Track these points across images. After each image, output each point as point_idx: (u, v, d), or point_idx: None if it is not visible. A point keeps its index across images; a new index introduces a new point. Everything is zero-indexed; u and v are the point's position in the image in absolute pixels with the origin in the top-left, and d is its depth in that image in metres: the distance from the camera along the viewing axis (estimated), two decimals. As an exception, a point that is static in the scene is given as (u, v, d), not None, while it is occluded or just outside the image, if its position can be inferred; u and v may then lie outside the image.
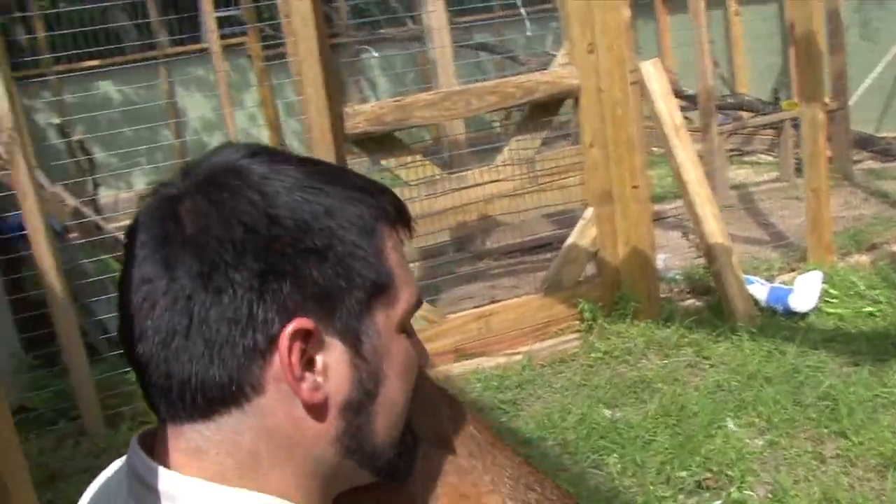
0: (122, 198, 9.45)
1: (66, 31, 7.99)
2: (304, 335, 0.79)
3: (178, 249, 0.79)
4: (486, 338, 4.53)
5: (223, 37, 9.14)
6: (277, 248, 0.79)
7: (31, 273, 3.76)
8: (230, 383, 0.80)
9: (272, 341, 0.79)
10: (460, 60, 9.59)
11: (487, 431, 1.17)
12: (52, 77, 9.04)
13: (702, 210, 4.48)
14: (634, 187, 4.45)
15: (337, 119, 4.03)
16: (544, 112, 4.53)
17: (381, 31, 10.09)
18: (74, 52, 8.39)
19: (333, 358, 0.83)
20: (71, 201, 4.49)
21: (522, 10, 8.78)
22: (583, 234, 4.60)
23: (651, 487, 3.16)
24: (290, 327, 0.78)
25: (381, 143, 4.28)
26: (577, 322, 4.61)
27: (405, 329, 0.89)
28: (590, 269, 4.78)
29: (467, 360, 4.47)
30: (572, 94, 4.48)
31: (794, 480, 3.18)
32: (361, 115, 4.15)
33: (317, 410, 0.83)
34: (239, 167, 0.84)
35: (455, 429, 1.13)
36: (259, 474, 0.83)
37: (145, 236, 0.81)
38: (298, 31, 3.87)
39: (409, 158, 4.37)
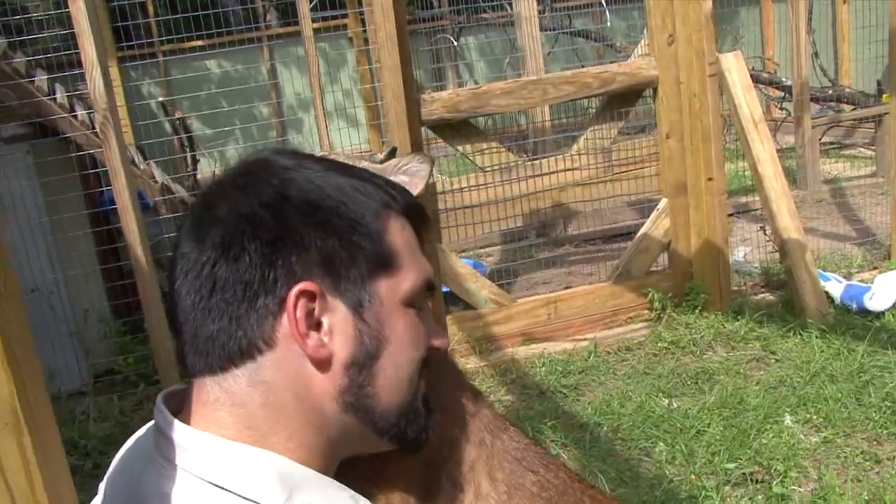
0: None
1: (178, 16, 8.33)
2: (309, 296, 0.93)
3: (208, 227, 0.95)
4: (554, 323, 4.61)
5: (324, 19, 9.39)
6: (287, 222, 0.93)
7: (122, 244, 4.03)
8: (245, 339, 0.94)
9: (282, 301, 0.92)
10: (560, 47, 9.65)
11: (500, 418, 1.27)
12: (161, 58, 9.44)
13: (776, 205, 4.45)
14: (709, 179, 4.45)
15: (413, 105, 4.16)
16: (622, 102, 4.57)
17: (483, 15, 10.15)
18: (184, 34, 8.76)
19: (338, 318, 0.95)
20: (159, 177, 4.75)
21: (603, 1, 8.72)
22: (656, 225, 4.62)
23: (695, 477, 3.21)
24: (297, 288, 0.92)
25: (457, 129, 4.40)
26: (646, 311, 4.65)
27: (414, 305, 1.01)
28: (662, 260, 4.81)
29: (535, 343, 4.56)
30: (650, 86, 4.50)
31: (844, 479, 3.18)
32: (438, 101, 4.28)
33: (321, 366, 0.95)
34: (266, 160, 1.00)
35: (469, 412, 1.23)
36: (266, 429, 0.95)
37: (188, 222, 0.98)
38: (378, 20, 4.01)
39: (484, 145, 4.47)
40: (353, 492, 0.98)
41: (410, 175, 1.10)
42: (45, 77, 4.42)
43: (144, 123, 5.75)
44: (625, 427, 3.70)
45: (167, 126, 7.26)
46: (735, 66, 4.53)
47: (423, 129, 4.31)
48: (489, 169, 4.47)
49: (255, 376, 0.94)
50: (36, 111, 4.14)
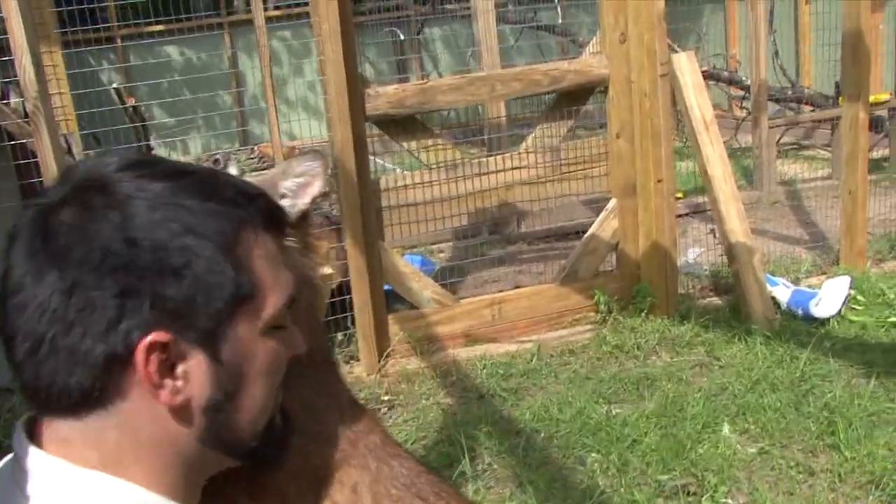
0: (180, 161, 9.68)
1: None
2: (160, 347, 0.86)
3: (45, 264, 0.86)
4: (498, 324, 4.53)
5: (287, 6, 9.24)
6: (135, 270, 0.85)
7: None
8: (93, 389, 0.87)
9: (131, 353, 0.85)
10: (524, 41, 9.57)
11: (390, 443, 1.21)
12: (119, 43, 9.26)
13: (725, 208, 4.40)
14: (659, 181, 4.38)
15: (357, 100, 4.06)
16: (572, 101, 4.49)
17: (447, 6, 10.05)
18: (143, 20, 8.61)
19: (192, 364, 0.89)
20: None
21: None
22: (604, 226, 4.56)
23: (624, 490, 3.14)
24: (146, 341, 0.85)
25: (402, 125, 4.30)
26: (592, 314, 4.59)
27: (277, 326, 0.95)
28: (610, 261, 4.74)
29: (478, 345, 4.48)
30: (601, 84, 4.43)
31: (777, 492, 3.13)
32: (383, 96, 4.18)
33: (179, 412, 0.90)
34: (106, 182, 0.89)
35: (355, 434, 1.17)
36: (123, 467, 0.89)
37: (20, 246, 0.88)
38: (321, 13, 3.90)
39: (430, 142, 4.38)
40: None
41: (302, 177, 1.03)
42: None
43: (100, 111, 5.61)
44: (561, 434, 3.63)
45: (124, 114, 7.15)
46: (687, 67, 4.47)
47: (367, 124, 4.21)
48: (435, 166, 4.37)
49: (106, 423, 0.89)
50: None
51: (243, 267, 0.91)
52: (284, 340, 0.98)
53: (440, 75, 9.87)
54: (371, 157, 4.41)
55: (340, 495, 1.10)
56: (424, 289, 4.46)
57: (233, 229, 0.90)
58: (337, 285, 4.58)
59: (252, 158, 5.57)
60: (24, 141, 3.93)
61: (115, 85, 7.24)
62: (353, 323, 4.42)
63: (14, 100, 4.35)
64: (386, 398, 4.14)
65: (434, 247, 6.37)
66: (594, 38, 4.54)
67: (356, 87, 4.04)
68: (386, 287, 4.46)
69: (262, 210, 0.95)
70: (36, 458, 0.90)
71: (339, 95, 3.96)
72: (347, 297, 4.39)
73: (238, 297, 0.90)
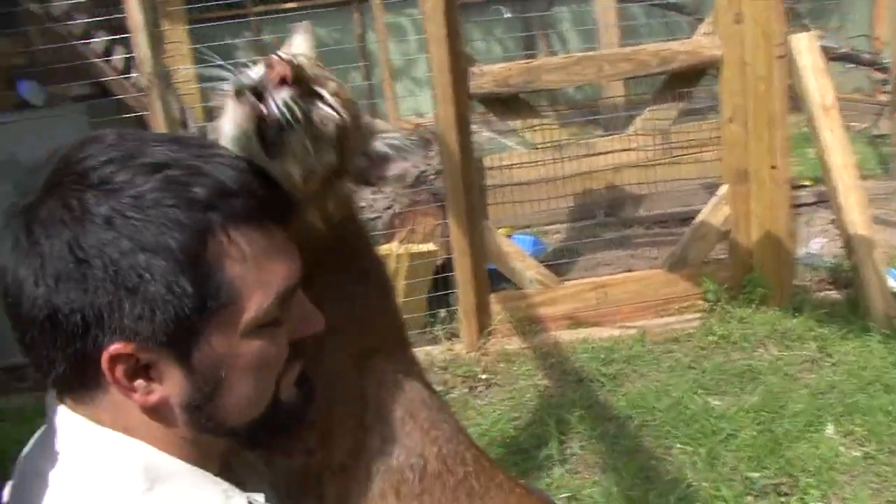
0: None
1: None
2: (124, 357, 0.87)
3: (27, 265, 0.88)
4: (602, 308, 4.46)
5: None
6: (90, 287, 0.85)
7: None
8: (76, 382, 0.92)
9: (97, 362, 0.88)
10: (654, 20, 9.33)
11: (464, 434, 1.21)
12: (253, 18, 9.53)
13: (844, 198, 4.17)
14: (773, 168, 4.20)
15: (461, 78, 4.05)
16: (683, 83, 4.35)
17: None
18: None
19: (163, 369, 0.91)
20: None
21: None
22: (715, 212, 4.41)
23: (713, 484, 3.05)
24: (107, 353, 0.87)
25: (507, 104, 4.27)
26: (700, 302, 4.45)
27: (264, 324, 0.93)
28: (721, 249, 4.59)
29: (580, 328, 4.42)
30: (713, 66, 4.27)
31: (880, 501, 2.97)
32: (488, 75, 4.15)
33: (156, 409, 0.92)
34: (79, 183, 0.88)
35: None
36: (135, 430, 0.94)
37: (9, 242, 0.90)
38: (426, -10, 3.91)
39: (536, 121, 4.33)
40: (228, 485, 0.96)
41: (397, 151, 1.02)
42: (104, 39, 4.49)
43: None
44: (655, 423, 3.56)
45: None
46: (807, 48, 4.25)
47: (472, 102, 4.20)
48: (540, 146, 4.33)
49: (99, 410, 0.93)
50: (88, 73, 4.21)
51: (210, 277, 0.88)
52: (277, 336, 0.96)
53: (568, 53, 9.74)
54: (491, 134, 4.42)
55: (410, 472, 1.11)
56: (528, 269, 4.43)
57: (197, 239, 0.87)
58: (441, 262, 4.61)
59: None
60: (141, 113, 4.10)
61: (243, 60, 7.45)
62: (455, 300, 4.45)
63: (116, 56, 4.51)
64: (483, 377, 4.15)
65: (549, 227, 6.31)
66: (708, 18, 4.37)
67: (460, 65, 4.03)
68: (490, 266, 4.46)
69: (244, 205, 0.91)
70: (62, 416, 0.95)
71: (442, 73, 3.96)
72: (451, 273, 4.42)
73: (204, 309, 0.88)
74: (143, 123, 4.12)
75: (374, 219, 5.27)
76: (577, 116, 7.09)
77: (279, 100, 0.95)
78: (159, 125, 3.80)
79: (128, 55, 4.58)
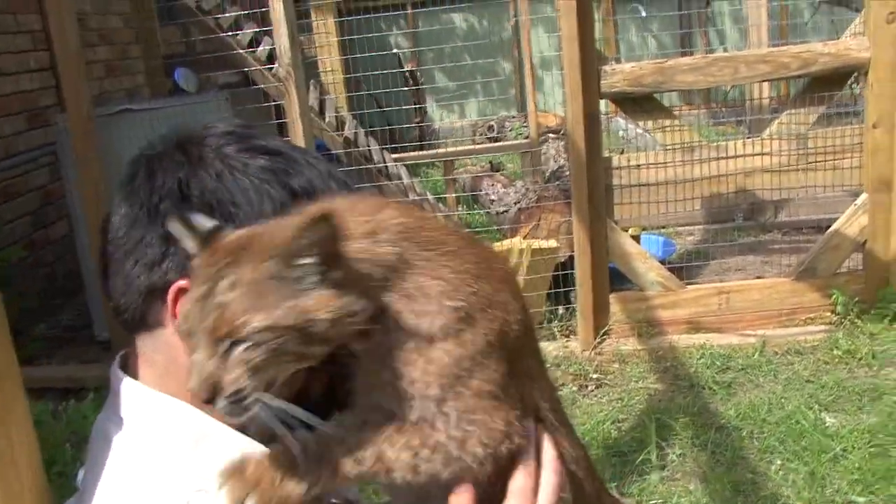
0: (456, 125, 10.07)
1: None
2: (185, 292, 0.96)
3: (123, 199, 1.04)
4: (724, 315, 4.37)
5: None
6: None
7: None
8: (138, 314, 1.03)
9: (167, 290, 0.99)
10: (823, 16, 8.92)
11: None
12: (410, 10, 9.74)
13: None
14: (918, 178, 4.00)
15: (592, 76, 4.06)
16: (825, 86, 4.18)
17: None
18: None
19: None
20: (350, 132, 4.94)
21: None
22: (851, 221, 4.24)
23: None
24: (177, 285, 0.98)
25: (639, 103, 4.23)
26: (828, 314, 4.30)
27: None
28: (854, 261, 4.40)
29: (699, 334, 4.36)
30: (859, 69, 4.09)
31: None
32: (619, 74, 4.13)
33: None
34: (195, 142, 1.04)
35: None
36: (177, 385, 1.02)
37: (118, 181, 1.07)
38: (560, -13, 3.93)
39: (667, 122, 4.27)
40: (249, 439, 1.02)
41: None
42: (252, 31, 4.73)
43: (381, 74, 5.98)
44: (763, 436, 3.49)
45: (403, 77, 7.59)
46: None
47: (602, 101, 4.19)
48: (671, 147, 4.27)
49: (155, 345, 1.04)
50: (235, 63, 4.46)
51: None
52: None
53: (725, 51, 9.46)
54: (642, 131, 4.40)
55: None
56: (650, 271, 4.40)
57: (276, 210, 0.99)
58: (564, 259, 4.63)
59: (525, 126, 5.71)
60: (279, 102, 4.30)
61: (395, 50, 7.67)
62: (575, 298, 4.46)
63: (262, 48, 4.73)
64: (594, 376, 4.16)
65: (683, 229, 6.20)
66: (857, 18, 4.19)
67: (592, 63, 4.03)
68: (612, 266, 4.44)
69: (312, 199, 1.00)
70: (126, 385, 1.06)
71: (573, 71, 3.98)
72: (572, 271, 4.43)
73: None
74: (280, 112, 4.33)
75: (502, 212, 5.35)
76: (720, 117, 6.91)
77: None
78: (294, 113, 3.98)
79: (270, 46, 4.82)
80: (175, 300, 0.98)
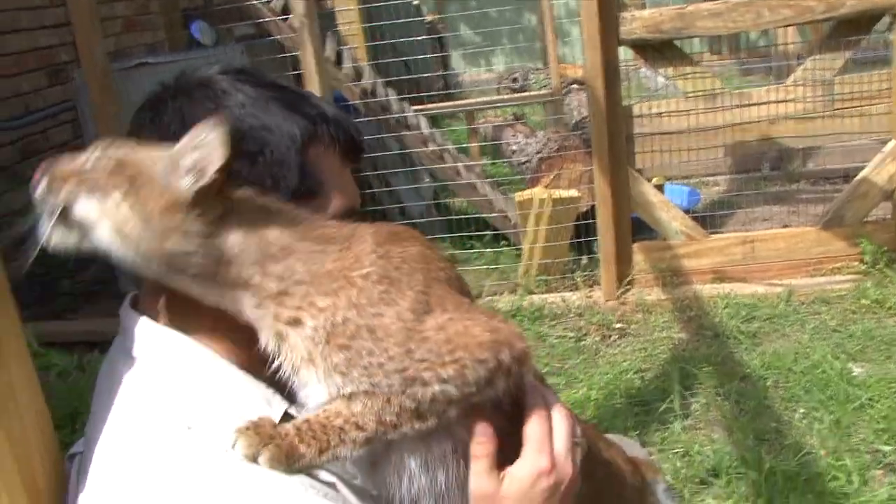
0: (482, 77, 9.98)
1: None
2: None
3: (150, 136, 1.03)
4: (749, 264, 4.33)
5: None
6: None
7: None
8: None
9: None
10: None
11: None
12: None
13: None
14: (948, 123, 3.91)
15: (611, 23, 3.98)
16: (852, 30, 4.08)
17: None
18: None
19: None
20: (368, 81, 4.89)
21: None
22: (880, 169, 4.17)
23: (837, 453, 2.94)
24: None
25: (659, 50, 4.16)
26: (855, 263, 4.24)
27: None
28: (884, 209, 4.33)
29: (724, 283, 4.31)
30: (888, 11, 3.99)
31: None
32: (639, 20, 4.06)
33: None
34: (208, 80, 1.07)
35: None
36: (191, 323, 1.04)
37: (133, 132, 1.07)
38: (580, -69, 3.84)
39: (688, 69, 4.20)
40: (272, 392, 1.04)
41: (204, 148, 1.01)
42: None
43: (398, 23, 5.91)
44: (788, 385, 3.46)
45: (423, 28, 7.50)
46: None
47: (620, 48, 4.12)
48: (692, 94, 4.20)
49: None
50: (250, 15, 4.42)
51: (309, 169, 1.04)
52: None
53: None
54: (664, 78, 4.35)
55: None
56: (673, 220, 4.35)
57: (305, 137, 1.04)
58: (586, 209, 4.59)
59: (549, 78, 5.64)
60: (294, 54, 4.26)
61: (415, 1, 7.59)
62: (597, 248, 4.43)
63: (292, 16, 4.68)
64: (618, 326, 4.14)
65: (709, 178, 6.12)
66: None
67: (611, 10, 3.96)
68: (635, 215, 4.40)
69: (337, 133, 1.08)
70: (125, 316, 1.08)
71: (590, 19, 3.91)
72: (594, 221, 4.39)
73: (300, 190, 1.03)
74: (297, 63, 4.29)
75: (523, 163, 5.30)
76: (746, 65, 6.79)
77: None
78: (309, 63, 3.95)
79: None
80: None
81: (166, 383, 1.02)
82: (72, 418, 2.74)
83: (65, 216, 0.94)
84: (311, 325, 0.93)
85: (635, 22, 4.04)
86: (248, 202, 0.97)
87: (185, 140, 0.94)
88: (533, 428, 1.04)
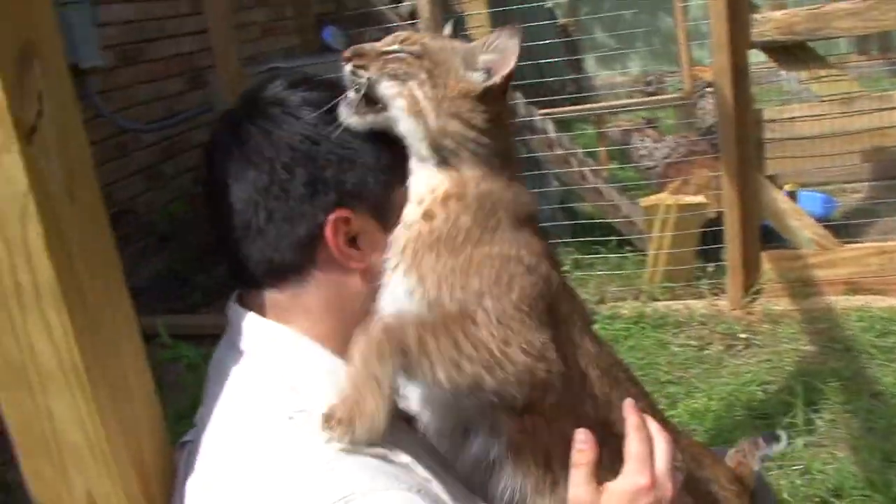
0: (616, 81, 9.85)
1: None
2: (344, 221, 1.09)
3: (243, 165, 1.11)
4: (886, 276, 4.12)
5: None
6: (317, 162, 1.09)
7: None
8: (294, 261, 1.12)
9: (321, 230, 1.09)
10: None
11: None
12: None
13: None
14: None
15: (741, 25, 3.88)
16: None
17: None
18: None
19: (369, 234, 1.12)
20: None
21: None
22: None
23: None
24: (332, 218, 1.09)
25: (792, 52, 4.02)
26: None
27: None
28: None
29: (858, 295, 4.12)
30: None
31: None
32: (771, 22, 3.94)
33: (364, 276, 1.13)
34: (280, 99, 1.13)
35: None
36: (311, 324, 1.13)
37: (219, 153, 1.14)
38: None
39: (823, 72, 4.04)
40: None
41: (500, 52, 1.10)
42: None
43: (535, 27, 5.91)
44: (918, 405, 3.29)
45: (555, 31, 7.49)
46: None
47: (751, 51, 4.01)
48: (827, 98, 4.05)
49: (301, 290, 1.12)
50: (378, 20, 4.54)
51: (400, 160, 1.13)
52: None
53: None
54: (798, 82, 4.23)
55: None
56: (804, 228, 4.20)
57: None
58: (715, 215, 4.48)
59: (683, 81, 5.52)
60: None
61: (548, 4, 7.56)
62: (725, 255, 4.32)
63: (404, 4, 4.77)
64: (743, 336, 4.02)
65: (848, 185, 5.86)
66: None
67: (741, 11, 3.85)
68: (765, 223, 4.27)
69: None
70: (234, 313, 1.15)
71: (719, 20, 3.82)
72: (722, 228, 4.29)
73: (393, 184, 1.12)
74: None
75: (651, 167, 5.22)
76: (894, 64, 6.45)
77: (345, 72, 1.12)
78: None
79: (412, 2, 4.86)
80: (334, 230, 1.08)
81: (270, 375, 1.09)
82: (196, 408, 2.87)
83: (369, 93, 1.09)
84: (435, 225, 1.06)
85: (767, 24, 3.92)
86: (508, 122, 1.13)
87: (484, 41, 1.05)
88: (634, 446, 1.07)
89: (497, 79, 1.08)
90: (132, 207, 5.29)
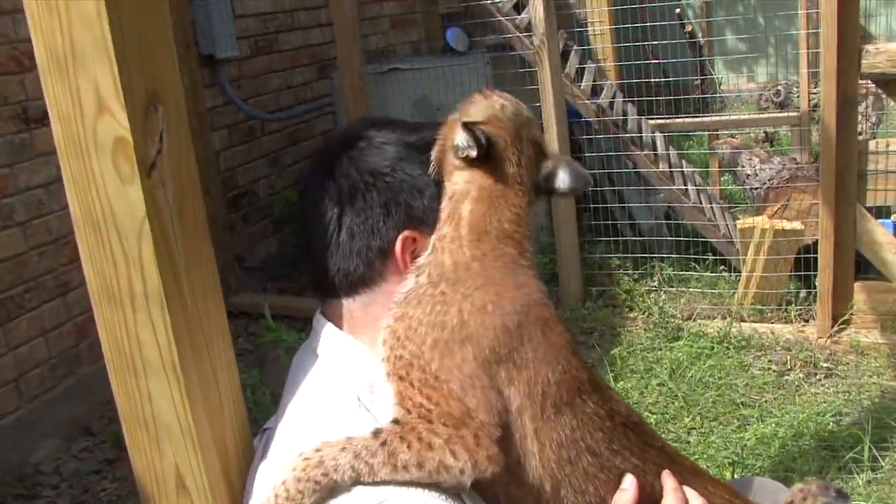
0: (743, 87, 9.71)
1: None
2: (411, 240, 1.29)
3: (331, 185, 1.32)
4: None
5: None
6: (393, 188, 1.29)
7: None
8: (366, 273, 1.31)
9: (392, 245, 1.29)
10: None
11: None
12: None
13: None
14: None
15: (851, 56, 3.90)
16: None
17: None
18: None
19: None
20: (607, 99, 5.01)
21: None
22: None
23: None
24: (402, 236, 1.28)
25: (903, 86, 4.02)
26: None
27: None
28: None
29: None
30: None
31: None
32: (884, 54, 3.93)
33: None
34: (364, 135, 1.35)
35: None
36: (374, 331, 1.29)
37: (314, 181, 1.36)
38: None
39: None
40: None
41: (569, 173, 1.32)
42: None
43: (660, 30, 5.98)
44: None
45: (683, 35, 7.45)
46: None
47: (862, 82, 4.02)
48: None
49: (371, 300, 1.30)
50: (497, 28, 4.71)
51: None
52: None
53: None
54: None
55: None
56: (901, 263, 4.18)
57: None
58: (812, 242, 4.49)
59: (815, 91, 5.50)
60: (534, 69, 4.48)
61: (677, 10, 7.53)
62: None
63: (522, 15, 4.92)
64: (825, 365, 4.06)
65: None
66: None
67: (852, 42, 3.87)
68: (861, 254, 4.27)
69: None
70: (327, 329, 1.33)
71: (829, 50, 3.85)
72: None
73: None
74: (535, 78, 4.53)
75: (754, 189, 5.24)
76: None
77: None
78: (546, 83, 4.18)
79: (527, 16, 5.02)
80: (403, 248, 1.26)
81: (339, 376, 1.27)
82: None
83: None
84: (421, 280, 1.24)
85: (880, 55, 3.92)
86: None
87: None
88: (670, 502, 1.20)
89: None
90: (253, 189, 5.64)
